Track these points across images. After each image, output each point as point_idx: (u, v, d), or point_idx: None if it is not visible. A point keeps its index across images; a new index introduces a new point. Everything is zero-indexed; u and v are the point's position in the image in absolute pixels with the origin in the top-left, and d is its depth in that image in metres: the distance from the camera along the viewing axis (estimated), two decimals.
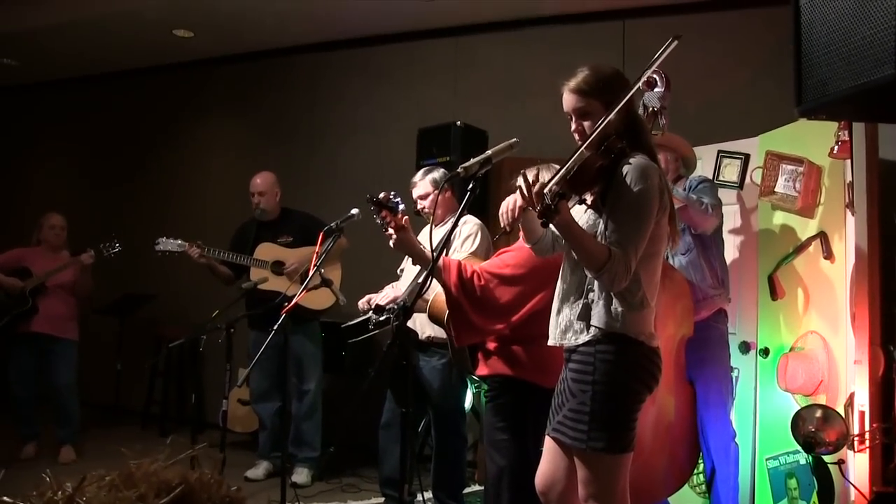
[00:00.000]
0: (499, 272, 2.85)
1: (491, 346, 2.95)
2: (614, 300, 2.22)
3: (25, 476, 1.76)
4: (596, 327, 2.22)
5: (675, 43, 2.32)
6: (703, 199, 3.43)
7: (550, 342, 2.40)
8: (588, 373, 2.21)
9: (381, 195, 2.73)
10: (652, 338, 2.27)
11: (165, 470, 1.36)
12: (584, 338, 2.25)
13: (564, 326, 2.32)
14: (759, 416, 3.76)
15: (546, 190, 2.04)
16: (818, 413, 3.04)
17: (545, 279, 2.66)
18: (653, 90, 3.38)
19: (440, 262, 2.77)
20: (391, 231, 2.74)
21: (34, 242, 5.41)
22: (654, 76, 3.35)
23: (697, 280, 3.55)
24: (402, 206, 2.78)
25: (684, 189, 3.56)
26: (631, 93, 2.31)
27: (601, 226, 2.23)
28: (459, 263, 2.83)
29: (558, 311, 2.37)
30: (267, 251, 4.87)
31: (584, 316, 2.25)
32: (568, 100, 2.36)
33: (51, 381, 5.21)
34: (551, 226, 2.10)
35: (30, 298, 5.09)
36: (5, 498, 1.29)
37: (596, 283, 2.24)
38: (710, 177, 4.04)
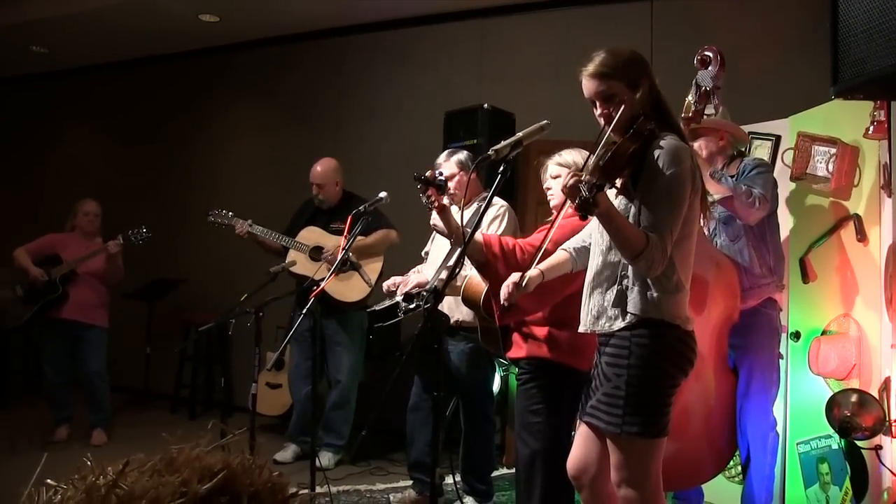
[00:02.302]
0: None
1: (528, 328, 2.93)
2: (650, 285, 2.19)
3: (59, 459, 1.76)
4: (632, 314, 2.20)
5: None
6: (753, 188, 3.32)
7: (582, 329, 2.38)
8: (623, 357, 2.20)
9: (428, 173, 2.74)
10: (687, 321, 2.25)
11: (207, 455, 1.36)
12: (619, 324, 2.23)
13: (597, 313, 2.30)
14: (789, 400, 3.72)
15: (583, 183, 1.97)
16: (854, 398, 2.99)
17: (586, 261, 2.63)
18: (707, 68, 3.26)
19: (481, 238, 2.77)
20: (434, 211, 2.73)
21: (68, 228, 5.45)
22: (708, 54, 3.25)
23: (745, 268, 3.48)
24: (450, 185, 2.79)
25: (738, 172, 3.47)
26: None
27: (633, 210, 2.21)
28: (500, 237, 2.81)
29: (590, 297, 2.35)
30: (310, 235, 4.86)
31: (620, 302, 2.23)
32: (588, 86, 2.31)
33: (81, 368, 5.26)
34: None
35: (59, 285, 5.13)
36: (49, 481, 1.30)
37: (630, 268, 2.21)
38: None
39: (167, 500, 1.19)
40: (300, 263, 4.60)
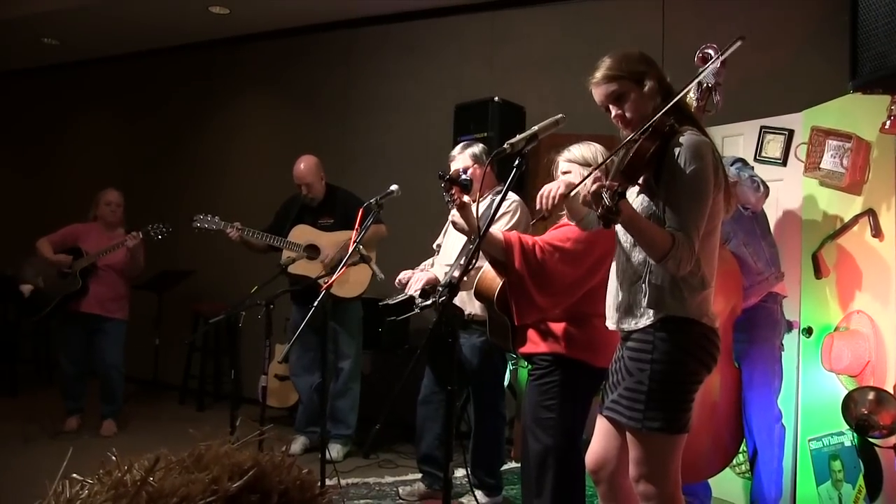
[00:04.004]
0: (561, 245, 2.81)
1: (544, 324, 2.91)
2: (676, 283, 2.17)
3: (71, 448, 1.74)
4: (658, 311, 2.19)
5: (739, 43, 2.20)
6: (753, 176, 3.36)
7: (610, 326, 2.36)
8: (647, 351, 2.19)
9: (452, 171, 2.74)
10: (713, 318, 2.24)
11: (236, 451, 1.35)
12: (644, 321, 2.21)
13: (624, 310, 2.28)
14: (801, 396, 3.71)
15: (605, 190, 1.92)
16: (870, 395, 2.97)
17: (605, 255, 2.62)
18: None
19: (501, 236, 2.76)
20: (455, 209, 2.73)
21: (91, 218, 5.42)
22: (709, 51, 3.25)
23: (742, 268, 3.47)
24: (474, 185, 2.79)
25: None
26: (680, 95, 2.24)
27: (656, 209, 2.19)
28: (520, 236, 2.80)
29: (616, 295, 2.33)
30: (301, 234, 4.84)
31: (646, 300, 2.21)
32: (599, 91, 2.31)
33: (98, 360, 5.26)
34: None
35: (80, 279, 5.13)
36: (75, 475, 1.29)
37: (656, 265, 2.18)
38: (753, 153, 3.98)
39: (198, 497, 1.18)
40: (297, 263, 4.59)
